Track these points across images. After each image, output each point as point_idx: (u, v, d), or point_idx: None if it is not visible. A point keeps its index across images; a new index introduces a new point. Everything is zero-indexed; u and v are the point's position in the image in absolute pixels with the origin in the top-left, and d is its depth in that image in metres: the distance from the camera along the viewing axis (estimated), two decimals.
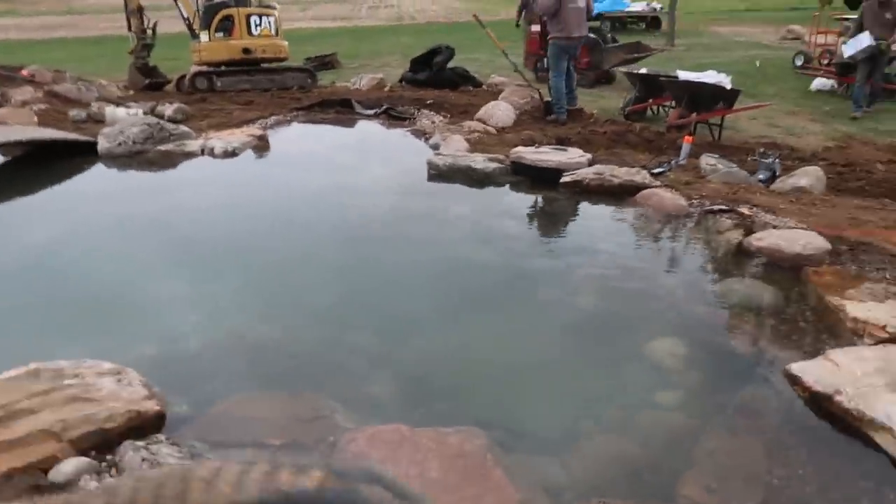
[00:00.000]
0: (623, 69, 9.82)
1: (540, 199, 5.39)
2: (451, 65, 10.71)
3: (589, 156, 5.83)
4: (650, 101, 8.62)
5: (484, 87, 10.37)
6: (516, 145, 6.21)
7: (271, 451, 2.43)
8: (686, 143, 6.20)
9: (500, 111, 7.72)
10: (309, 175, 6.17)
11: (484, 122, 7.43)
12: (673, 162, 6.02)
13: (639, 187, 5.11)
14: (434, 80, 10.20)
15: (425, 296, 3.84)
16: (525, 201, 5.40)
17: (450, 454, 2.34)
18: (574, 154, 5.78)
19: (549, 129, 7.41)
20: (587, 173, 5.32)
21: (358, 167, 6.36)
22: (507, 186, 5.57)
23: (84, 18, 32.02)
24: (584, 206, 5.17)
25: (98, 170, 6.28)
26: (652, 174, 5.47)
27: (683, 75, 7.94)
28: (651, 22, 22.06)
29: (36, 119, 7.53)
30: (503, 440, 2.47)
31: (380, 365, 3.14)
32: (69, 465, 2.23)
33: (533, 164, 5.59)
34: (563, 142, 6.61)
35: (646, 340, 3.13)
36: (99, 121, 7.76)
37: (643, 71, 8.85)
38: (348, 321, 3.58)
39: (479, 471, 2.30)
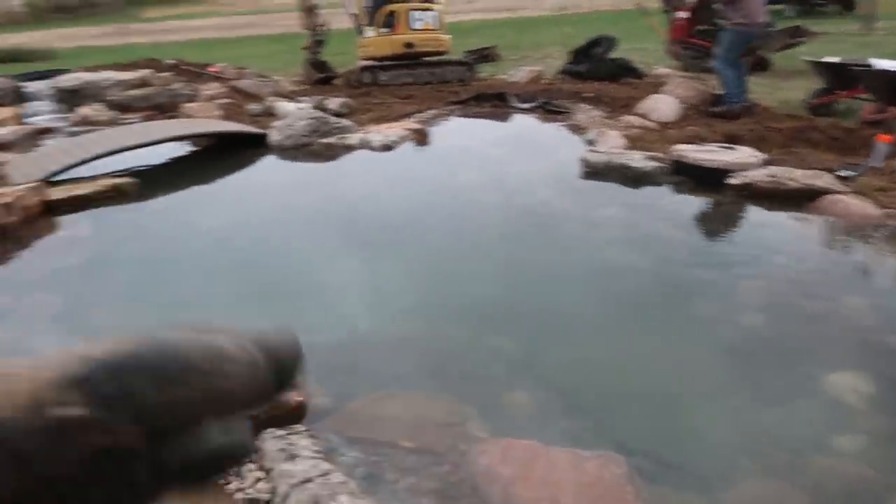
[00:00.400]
0: (808, 58, 8.88)
1: (702, 202, 4.98)
2: (613, 55, 10.28)
3: (762, 155, 5.30)
4: (840, 93, 7.71)
5: (648, 78, 9.84)
6: (679, 142, 5.80)
7: (402, 455, 2.42)
8: (882, 143, 5.45)
9: (663, 105, 7.27)
10: (460, 169, 6.17)
11: (645, 117, 7.04)
12: (865, 164, 5.32)
13: (820, 192, 4.57)
14: (594, 71, 9.83)
15: (571, 302, 3.67)
16: (685, 204, 5.02)
17: (586, 480, 2.19)
18: (744, 153, 5.29)
19: (718, 124, 6.85)
20: (758, 175, 4.84)
21: (510, 162, 6.26)
22: (666, 187, 5.21)
23: (271, 17, 34.61)
24: (754, 212, 4.70)
25: (268, 160, 6.71)
26: (838, 178, 4.87)
27: (881, 64, 7.01)
28: (845, 4, 19.84)
29: (219, 113, 8.21)
30: (647, 470, 2.27)
31: (519, 372, 3.04)
32: None
33: (696, 163, 5.19)
34: (732, 139, 6.08)
35: (823, 371, 2.76)
36: (272, 114, 8.30)
37: (832, 59, 7.93)
38: (490, 322, 3.51)
39: (615, 501, 2.13)
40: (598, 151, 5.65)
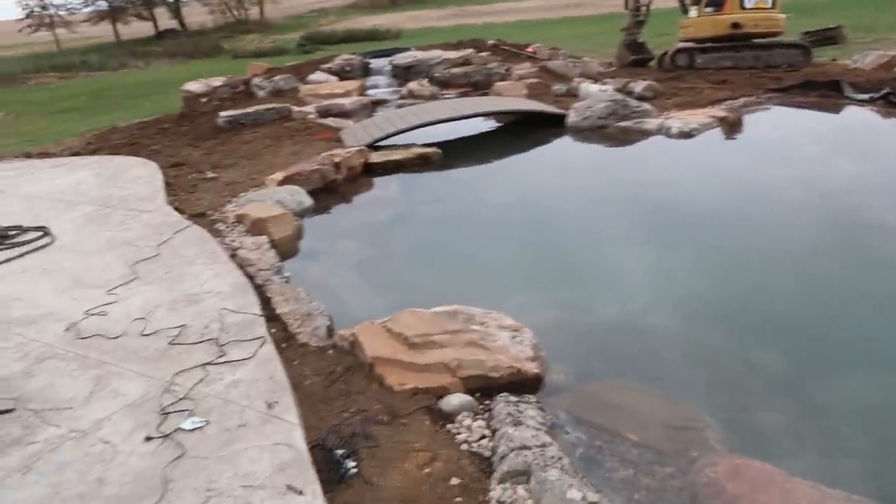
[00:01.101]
0: None
1: None
2: None
3: None
4: None
5: None
6: None
7: (625, 446, 2.38)
8: None
9: None
10: (765, 164, 5.61)
11: None
12: None
13: None
14: None
15: (869, 330, 3.17)
16: None
17: None
18: None
19: None
20: None
21: (829, 161, 5.51)
22: None
23: None
24: None
25: (562, 141, 6.85)
26: None
27: None
28: None
29: (525, 91, 8.58)
30: None
31: (776, 392, 2.75)
32: (456, 399, 2.57)
33: None
34: None
35: None
36: (575, 95, 8.41)
37: None
38: (761, 334, 3.21)
39: None
40: None
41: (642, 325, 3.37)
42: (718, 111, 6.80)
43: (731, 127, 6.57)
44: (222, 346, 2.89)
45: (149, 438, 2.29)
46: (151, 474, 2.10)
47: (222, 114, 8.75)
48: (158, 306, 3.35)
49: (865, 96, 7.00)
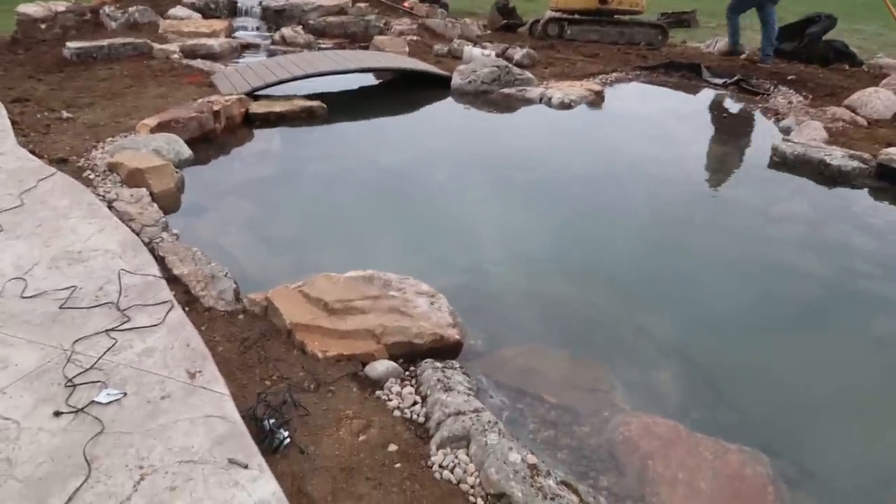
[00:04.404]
0: None
1: None
2: (826, 37, 9.32)
3: None
4: None
5: (864, 67, 8.85)
6: (891, 144, 5.27)
7: (545, 408, 2.53)
8: None
9: (877, 100, 6.56)
10: (636, 140, 6.00)
11: (853, 111, 6.40)
12: None
13: None
14: (802, 52, 8.97)
15: (729, 295, 3.56)
16: (886, 213, 4.59)
17: (726, 472, 2.19)
18: None
19: None
20: None
21: (692, 140, 6.01)
22: (866, 191, 4.78)
23: None
24: None
25: (447, 103, 6.89)
26: None
27: None
28: None
29: (407, 49, 8.47)
30: (791, 475, 2.24)
31: (667, 354, 3.02)
32: (382, 366, 2.57)
33: None
34: None
35: None
36: (457, 57, 8.44)
37: None
38: (644, 300, 3.49)
39: (755, 499, 2.12)
40: (792, 142, 5.25)
41: (541, 289, 3.54)
42: (594, 85, 7.13)
43: (607, 101, 6.93)
44: (124, 310, 2.68)
45: (58, 413, 2.10)
46: (69, 452, 1.94)
47: (70, 44, 7.85)
48: (36, 264, 3.02)
49: (720, 81, 7.67)
